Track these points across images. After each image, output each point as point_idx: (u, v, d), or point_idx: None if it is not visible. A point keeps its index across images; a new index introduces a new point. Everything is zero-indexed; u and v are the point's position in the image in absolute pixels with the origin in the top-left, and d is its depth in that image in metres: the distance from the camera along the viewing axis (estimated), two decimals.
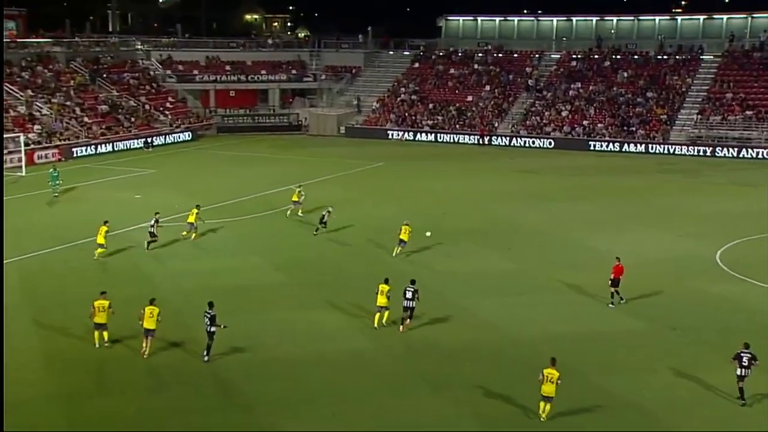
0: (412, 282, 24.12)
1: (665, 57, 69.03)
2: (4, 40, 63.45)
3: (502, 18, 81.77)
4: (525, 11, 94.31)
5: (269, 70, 77.03)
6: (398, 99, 72.90)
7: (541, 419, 18.46)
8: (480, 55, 76.14)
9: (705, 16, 73.95)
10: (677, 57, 68.43)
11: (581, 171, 52.26)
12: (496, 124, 66.78)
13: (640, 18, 76.43)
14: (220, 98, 74.34)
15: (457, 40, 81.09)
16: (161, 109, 67.46)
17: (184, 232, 33.46)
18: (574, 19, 78.78)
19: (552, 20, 79.74)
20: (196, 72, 74.98)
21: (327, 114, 71.68)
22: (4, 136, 50.03)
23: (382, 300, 23.83)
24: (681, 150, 59.08)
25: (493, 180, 49.12)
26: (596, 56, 71.67)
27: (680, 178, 50.01)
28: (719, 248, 32.45)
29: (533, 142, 63.69)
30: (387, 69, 78.77)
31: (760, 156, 56.62)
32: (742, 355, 19.63)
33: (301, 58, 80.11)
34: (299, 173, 49.54)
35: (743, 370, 19.46)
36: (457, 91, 72.41)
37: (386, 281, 24.11)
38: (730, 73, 65.13)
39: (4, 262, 27.59)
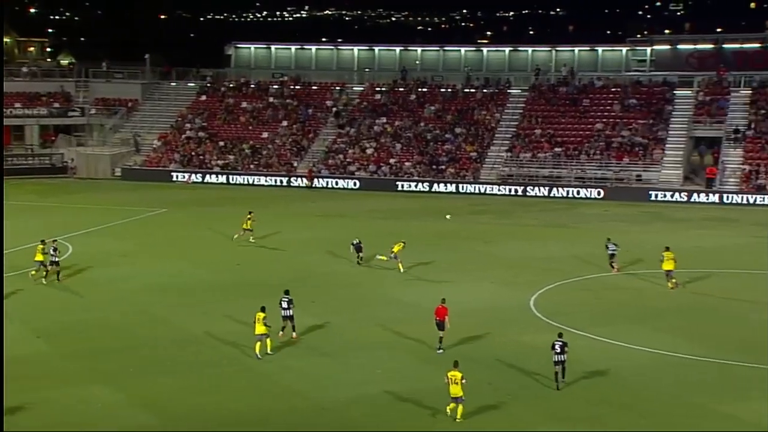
0: (286, 292, 28.77)
1: (473, 90, 73.46)
2: None
3: (299, 46, 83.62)
4: (323, 39, 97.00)
5: (25, 102, 73.71)
6: (183, 136, 72.03)
7: (457, 420, 22.14)
8: (275, 87, 77.13)
9: (510, 48, 79.75)
10: (485, 90, 73.04)
11: (389, 214, 54.06)
12: (295, 164, 67.70)
13: (446, 48, 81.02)
14: None
15: (248, 70, 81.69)
16: None
17: (33, 272, 35.19)
18: (376, 48, 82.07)
19: (353, 49, 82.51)
20: None
21: (99, 154, 69.70)
22: None
23: (260, 328, 26.90)
24: (492, 189, 62.75)
25: (294, 226, 49.60)
26: (401, 89, 74.90)
27: (492, 219, 53.08)
28: (533, 294, 34.71)
29: (337, 183, 65.15)
30: (169, 102, 77.82)
31: (570, 195, 61.36)
32: (555, 343, 24.72)
33: (65, 89, 77.24)
34: (63, 223, 47.50)
35: (557, 356, 24.54)
36: (250, 127, 72.72)
37: (262, 309, 27.23)
38: (537, 108, 70.41)
39: None
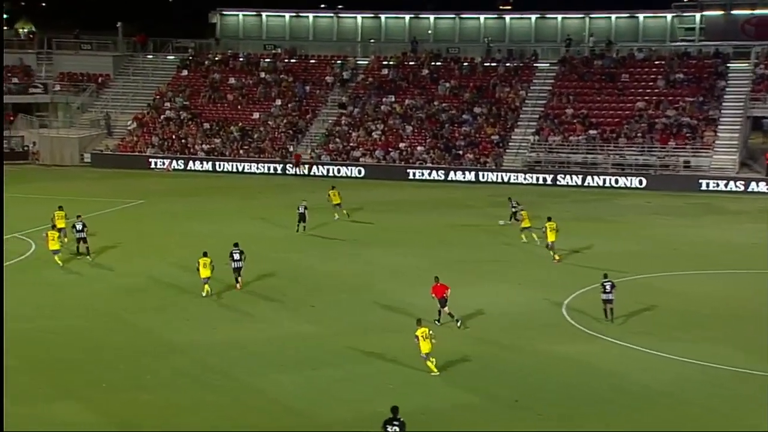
0: (236, 245, 34.89)
1: (494, 64, 73.27)
2: None
3: (294, 14, 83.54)
4: (322, 5, 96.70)
5: None
6: (162, 117, 72.12)
7: (436, 373, 26.13)
8: (267, 60, 77.11)
9: (537, 15, 79.46)
10: (508, 64, 72.85)
11: (398, 207, 53.99)
12: (291, 148, 67.68)
13: (462, 16, 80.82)
14: None
15: (236, 41, 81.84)
16: None
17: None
18: (383, 16, 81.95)
19: (356, 17, 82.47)
20: None
21: (64, 137, 69.92)
22: None
23: (205, 272, 33.39)
24: (517, 178, 62.71)
25: (287, 220, 49.52)
26: (412, 63, 74.76)
27: None
28: (566, 298, 34.56)
29: (339, 171, 65.12)
30: (145, 78, 77.97)
31: (607, 184, 61.25)
32: (604, 283, 31.08)
33: (24, 62, 77.54)
34: (21, 217, 47.26)
35: (607, 294, 31.00)
36: (239, 107, 72.76)
37: (205, 254, 33.68)
38: (569, 84, 70.21)
39: None
